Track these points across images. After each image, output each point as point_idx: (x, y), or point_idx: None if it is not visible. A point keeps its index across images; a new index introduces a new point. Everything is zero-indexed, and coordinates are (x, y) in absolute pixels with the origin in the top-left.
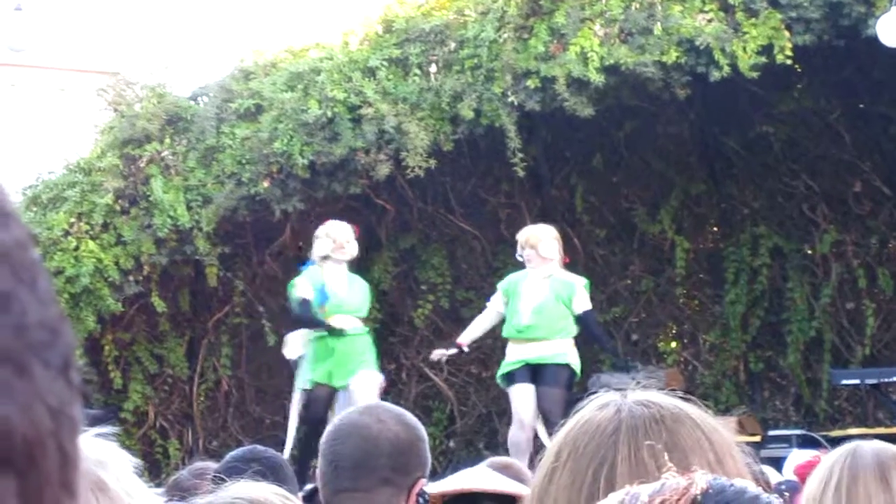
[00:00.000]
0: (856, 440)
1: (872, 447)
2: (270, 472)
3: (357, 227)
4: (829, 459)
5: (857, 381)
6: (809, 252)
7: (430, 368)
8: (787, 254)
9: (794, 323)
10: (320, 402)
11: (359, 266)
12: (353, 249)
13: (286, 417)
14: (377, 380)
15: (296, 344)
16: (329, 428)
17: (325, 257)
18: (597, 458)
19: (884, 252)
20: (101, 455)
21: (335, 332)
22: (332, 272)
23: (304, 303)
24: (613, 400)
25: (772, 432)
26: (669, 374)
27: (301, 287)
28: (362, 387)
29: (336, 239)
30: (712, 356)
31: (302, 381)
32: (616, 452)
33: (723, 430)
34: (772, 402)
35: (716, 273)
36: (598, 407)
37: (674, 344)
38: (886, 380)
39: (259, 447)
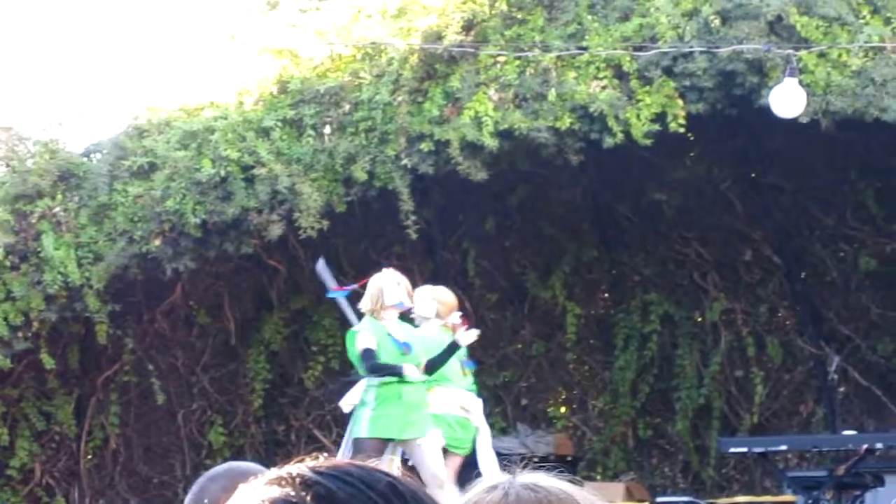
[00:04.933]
0: None
1: None
2: None
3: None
4: None
5: (744, 449)
6: (699, 319)
7: (318, 430)
8: (678, 321)
9: (683, 390)
10: (372, 455)
11: (250, 327)
12: (396, 297)
13: (174, 476)
14: (440, 441)
15: (354, 395)
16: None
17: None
18: None
19: (773, 321)
20: None
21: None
22: (391, 323)
23: (369, 352)
24: (502, 483)
25: (659, 499)
26: (558, 439)
27: (363, 338)
28: (431, 449)
29: (373, 294)
30: (601, 422)
31: (358, 430)
32: None
33: None
34: (660, 469)
35: (606, 339)
36: (486, 490)
37: (563, 409)
38: (774, 448)
39: None
